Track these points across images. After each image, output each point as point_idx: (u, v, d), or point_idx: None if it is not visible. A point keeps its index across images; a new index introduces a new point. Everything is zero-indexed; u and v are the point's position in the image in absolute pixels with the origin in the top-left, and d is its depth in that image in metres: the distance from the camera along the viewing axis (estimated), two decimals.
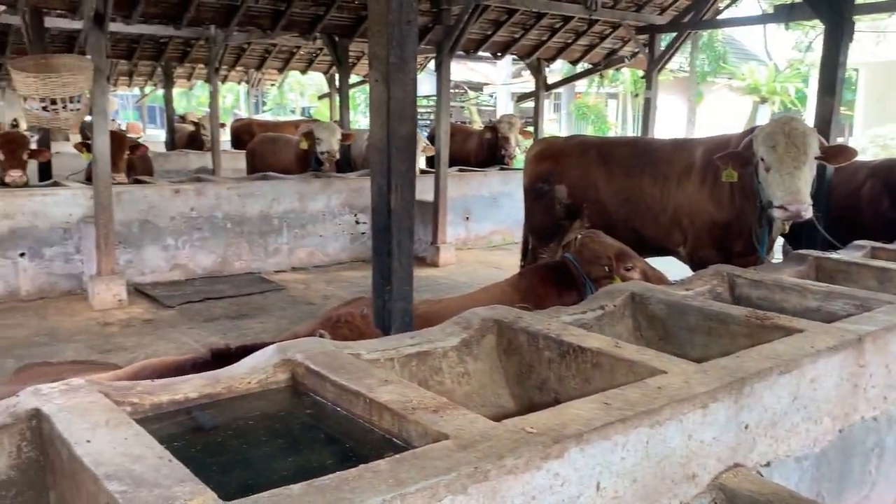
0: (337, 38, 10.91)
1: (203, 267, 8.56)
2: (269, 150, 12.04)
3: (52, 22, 9.71)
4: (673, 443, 2.13)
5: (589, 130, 26.73)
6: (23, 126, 17.84)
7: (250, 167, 12.17)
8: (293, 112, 35.46)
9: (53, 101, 6.74)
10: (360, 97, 25.23)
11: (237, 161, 14.91)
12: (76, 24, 10.28)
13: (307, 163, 10.48)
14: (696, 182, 5.65)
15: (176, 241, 8.35)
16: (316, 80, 27.56)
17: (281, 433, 2.28)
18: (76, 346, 6.21)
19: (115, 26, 9.19)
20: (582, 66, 13.64)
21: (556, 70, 19.58)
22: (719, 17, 10.83)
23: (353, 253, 9.74)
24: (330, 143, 10.08)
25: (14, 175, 7.66)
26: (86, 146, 7.96)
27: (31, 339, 6.37)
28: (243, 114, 27.53)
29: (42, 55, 7.58)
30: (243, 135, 17.11)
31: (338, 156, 10.34)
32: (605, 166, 6.20)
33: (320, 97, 23.39)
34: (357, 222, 9.75)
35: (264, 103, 36.10)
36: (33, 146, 8.77)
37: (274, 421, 2.34)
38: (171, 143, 17.09)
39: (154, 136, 23.39)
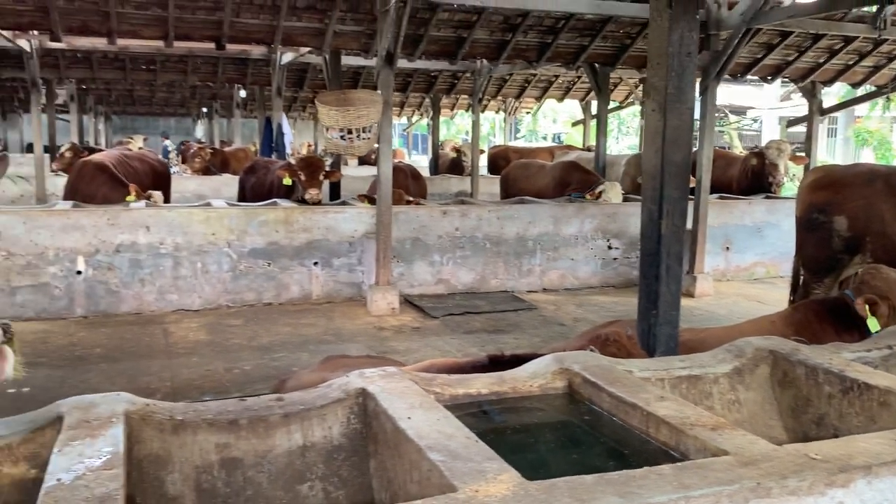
0: (598, 67, 11.12)
1: (463, 283, 9.17)
2: (522, 175, 12.52)
3: (344, 60, 10.97)
4: None
5: (870, 158, 24.17)
6: (304, 151, 20.23)
7: (504, 191, 12.74)
8: (545, 138, 36.26)
9: (350, 131, 7.70)
10: (611, 122, 25.21)
11: (493, 185, 15.67)
12: (362, 61, 11.61)
13: (562, 189, 10.76)
14: None
15: (441, 258, 9.05)
16: (568, 107, 28.03)
17: (560, 434, 2.50)
18: (357, 345, 6.99)
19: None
20: (864, 89, 12.50)
21: (832, 93, 18.04)
22: None
23: (604, 278, 9.82)
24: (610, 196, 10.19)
25: (313, 193, 8.81)
26: (369, 199, 8.96)
27: (321, 337, 7.28)
28: (499, 141, 28.74)
29: (341, 90, 8.70)
30: (499, 160, 17.95)
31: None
32: (894, 198, 5.70)
33: (574, 124, 23.77)
34: (609, 247, 9.82)
35: (518, 130, 37.35)
36: (327, 168, 9.99)
37: (553, 422, 2.57)
38: (435, 168, 18.39)
39: (416, 162, 25.28)
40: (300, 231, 8.53)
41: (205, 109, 28.64)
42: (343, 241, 8.70)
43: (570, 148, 18.11)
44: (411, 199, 9.48)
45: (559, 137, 33.61)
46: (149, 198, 8.76)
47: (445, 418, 2.19)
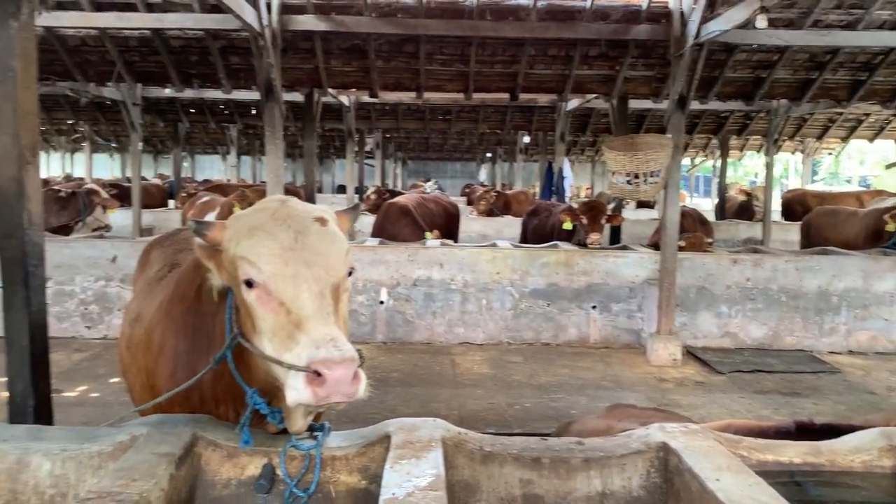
0: None
1: (753, 338, 8.55)
2: (828, 223, 11.42)
3: (630, 104, 10.91)
4: None
5: None
6: (583, 194, 20.32)
7: (805, 239, 11.72)
8: (848, 181, 32.73)
9: (636, 176, 7.66)
10: None
11: (787, 233, 14.52)
12: (648, 104, 11.49)
13: (876, 240, 9.63)
14: None
15: (729, 310, 8.54)
16: (878, 148, 25.05)
17: None
18: (636, 395, 6.84)
19: None
20: None
21: None
22: None
23: None
24: None
25: (594, 237, 8.88)
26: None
27: (598, 382, 7.25)
28: (794, 184, 26.55)
29: (629, 135, 8.69)
30: (796, 206, 16.58)
31: None
32: None
33: (887, 166, 21.18)
34: None
35: (815, 172, 34.19)
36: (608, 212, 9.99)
37: None
38: (721, 213, 17.49)
39: (698, 205, 24.23)
40: (580, 274, 8.61)
41: (489, 154, 30.33)
42: (623, 285, 8.62)
43: (881, 193, 16.15)
44: (712, 241, 9.14)
45: (866, 181, 30.09)
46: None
47: (758, 484, 2.07)
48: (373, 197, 15.92)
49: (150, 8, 7.79)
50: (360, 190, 18.03)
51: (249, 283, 2.11)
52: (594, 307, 8.65)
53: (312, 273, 2.09)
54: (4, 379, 3.36)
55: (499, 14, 7.82)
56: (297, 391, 1.93)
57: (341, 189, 28.94)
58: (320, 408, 2.07)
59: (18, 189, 3.16)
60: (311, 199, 10.43)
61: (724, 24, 6.69)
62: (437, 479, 2.07)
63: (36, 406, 3.23)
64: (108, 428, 2.46)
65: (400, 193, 16.66)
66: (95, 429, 2.47)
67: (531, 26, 7.80)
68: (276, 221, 2.18)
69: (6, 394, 3.37)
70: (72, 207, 10.03)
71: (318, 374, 1.90)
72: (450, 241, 9.64)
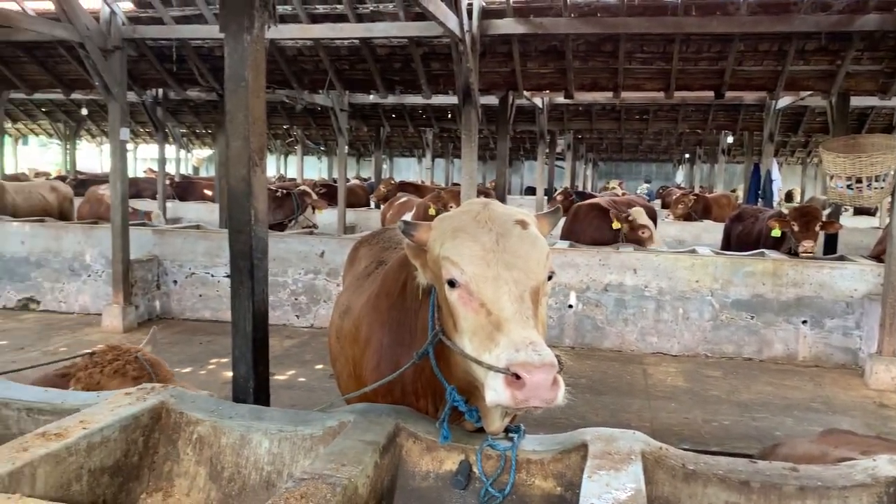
0: None
1: None
2: None
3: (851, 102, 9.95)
4: None
5: None
6: (796, 199, 18.76)
7: None
8: None
9: (858, 180, 6.97)
10: None
11: None
12: (871, 102, 10.43)
13: None
14: None
15: None
16: None
17: None
18: (851, 420, 6.22)
19: None
20: None
21: None
22: None
23: None
24: None
25: (807, 246, 8.18)
26: None
27: (807, 404, 6.67)
28: None
29: (850, 136, 7.94)
30: None
31: None
32: None
33: None
34: None
35: None
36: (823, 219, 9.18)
37: None
38: None
39: None
40: (789, 285, 7.98)
41: (687, 155, 29.01)
42: (839, 300, 7.88)
43: None
44: None
45: None
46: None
47: None
48: (559, 198, 15.80)
49: (360, 18, 8.27)
50: (549, 192, 17.98)
51: (452, 283, 2.16)
52: (804, 322, 7.98)
53: (512, 275, 2.09)
54: (226, 360, 3.71)
55: (705, 9, 7.44)
56: (495, 392, 1.94)
57: (530, 191, 29.04)
58: (518, 410, 2.07)
59: (247, 189, 3.47)
60: (501, 200, 10.55)
61: None
62: (638, 493, 2.00)
63: (255, 388, 3.53)
64: (318, 413, 2.63)
65: (590, 195, 16.42)
66: (308, 413, 2.65)
67: (741, 21, 7.35)
68: (479, 224, 2.21)
69: (230, 374, 3.72)
70: (287, 206, 10.91)
71: (518, 377, 1.90)
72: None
